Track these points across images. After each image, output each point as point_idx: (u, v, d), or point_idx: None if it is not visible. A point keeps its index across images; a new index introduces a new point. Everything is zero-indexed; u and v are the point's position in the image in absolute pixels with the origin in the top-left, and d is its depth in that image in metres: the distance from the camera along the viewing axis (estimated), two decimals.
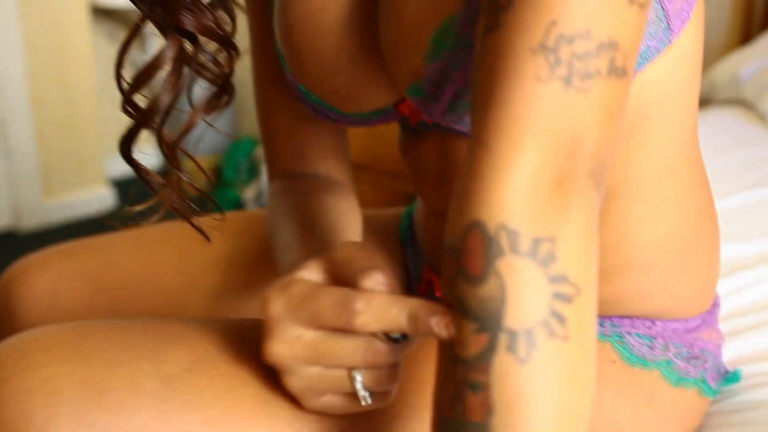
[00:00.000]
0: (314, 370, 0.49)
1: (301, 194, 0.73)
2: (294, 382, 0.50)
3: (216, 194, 1.91)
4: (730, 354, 0.79)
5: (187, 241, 0.86)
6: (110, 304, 0.83)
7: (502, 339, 0.42)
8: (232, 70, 0.67)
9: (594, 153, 0.45)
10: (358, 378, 0.49)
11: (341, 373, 0.49)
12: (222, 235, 0.86)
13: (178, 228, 0.87)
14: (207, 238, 0.71)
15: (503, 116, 0.44)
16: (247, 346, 0.56)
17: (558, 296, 0.42)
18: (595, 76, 0.44)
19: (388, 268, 0.49)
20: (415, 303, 0.45)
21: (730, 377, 0.73)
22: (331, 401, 0.51)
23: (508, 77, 0.44)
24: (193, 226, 0.68)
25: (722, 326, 0.78)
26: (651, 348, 0.66)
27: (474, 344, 0.43)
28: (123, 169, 2.49)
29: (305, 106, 0.71)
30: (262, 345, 0.49)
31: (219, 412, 0.52)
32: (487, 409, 0.42)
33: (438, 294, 0.76)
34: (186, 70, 0.63)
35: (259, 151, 2.30)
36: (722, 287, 0.86)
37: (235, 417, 0.52)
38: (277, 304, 0.49)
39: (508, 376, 0.42)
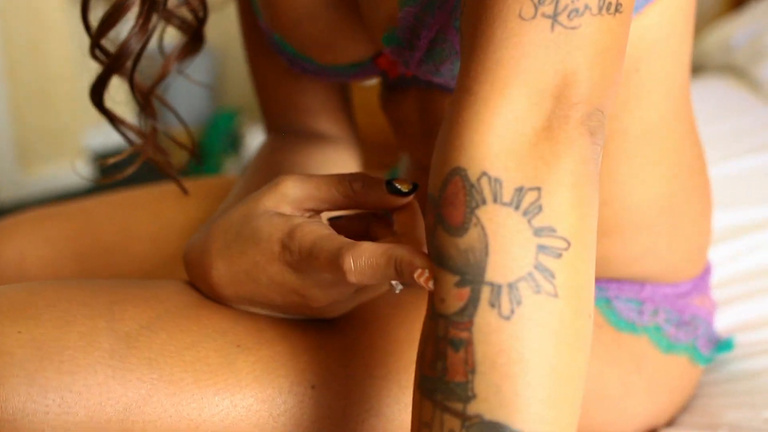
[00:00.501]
0: None
1: (278, 149, 0.70)
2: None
3: (197, 166, 1.89)
4: (722, 322, 0.77)
5: (160, 207, 0.83)
6: (80, 271, 0.80)
7: (485, 293, 0.39)
8: (202, 18, 0.64)
9: (587, 97, 0.42)
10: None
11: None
12: (196, 200, 0.83)
13: (151, 194, 0.85)
14: (184, 190, 0.68)
15: (486, 59, 0.42)
16: (208, 303, 0.53)
17: (544, 249, 0.40)
18: (584, 13, 0.41)
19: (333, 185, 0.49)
20: (400, 254, 0.43)
21: (722, 345, 0.71)
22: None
23: (491, 18, 0.42)
24: (171, 177, 0.65)
25: (715, 294, 0.75)
26: (640, 313, 0.64)
27: (455, 298, 0.40)
28: (101, 141, 2.45)
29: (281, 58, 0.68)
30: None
31: (180, 368, 0.49)
32: (470, 367, 0.39)
33: None
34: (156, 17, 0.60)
35: (241, 123, 2.27)
36: (713, 255, 0.84)
37: (198, 373, 0.49)
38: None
39: (492, 333, 0.39)
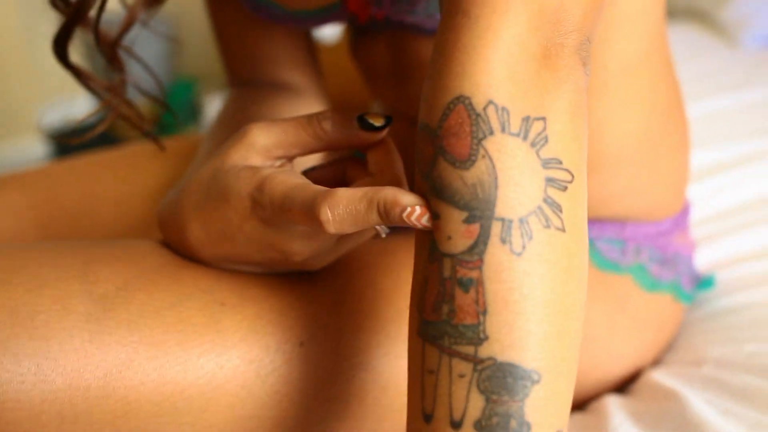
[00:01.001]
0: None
1: (243, 101, 0.67)
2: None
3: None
4: (701, 261, 0.77)
5: (126, 170, 0.80)
6: (46, 239, 0.77)
7: (495, 229, 0.38)
8: None
9: (579, 25, 0.40)
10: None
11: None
12: (162, 161, 0.81)
13: (115, 157, 0.82)
14: (161, 146, 0.65)
15: None
16: (186, 262, 0.51)
17: (552, 182, 0.38)
18: None
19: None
20: (382, 196, 0.41)
21: (704, 282, 0.71)
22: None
23: None
24: (144, 133, 0.64)
25: (693, 233, 0.75)
26: (622, 252, 0.63)
27: (463, 235, 0.38)
28: (58, 118, 2.38)
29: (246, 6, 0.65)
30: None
31: (162, 330, 0.47)
32: (481, 308, 0.38)
33: None
34: None
35: (200, 92, 2.22)
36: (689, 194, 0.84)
37: (181, 334, 0.47)
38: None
39: (503, 270, 0.37)
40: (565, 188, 0.38)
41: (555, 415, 0.38)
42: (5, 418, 0.44)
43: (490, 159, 0.38)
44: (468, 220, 0.38)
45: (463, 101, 0.38)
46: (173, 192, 0.52)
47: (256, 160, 0.47)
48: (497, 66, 0.38)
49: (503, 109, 0.38)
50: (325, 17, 0.63)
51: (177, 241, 0.51)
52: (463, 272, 0.38)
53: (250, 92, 0.69)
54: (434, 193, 0.39)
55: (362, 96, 0.92)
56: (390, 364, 0.52)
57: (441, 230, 0.39)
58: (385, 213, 0.40)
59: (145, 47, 0.69)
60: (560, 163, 0.38)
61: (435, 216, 0.39)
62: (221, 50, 0.73)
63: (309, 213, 0.42)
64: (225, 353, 0.48)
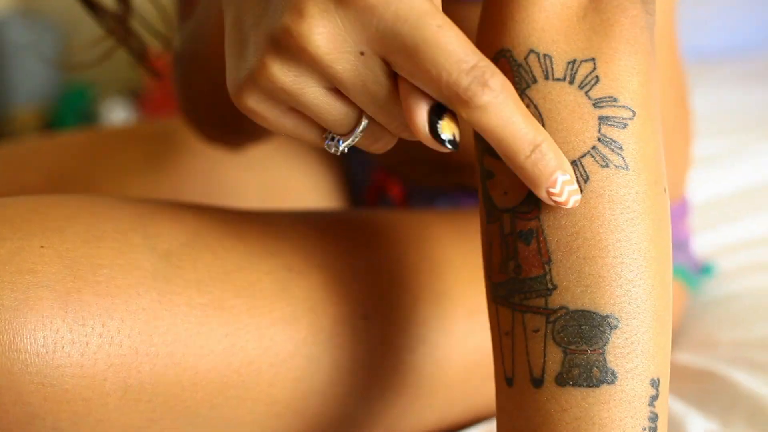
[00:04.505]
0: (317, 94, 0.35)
1: None
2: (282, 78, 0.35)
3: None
4: (698, 249, 0.78)
5: (96, 151, 0.73)
6: None
7: None
8: None
9: None
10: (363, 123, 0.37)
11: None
12: (134, 144, 0.75)
13: (84, 138, 0.77)
14: (156, 74, 0.60)
15: None
16: (245, 218, 0.47)
17: (607, 120, 0.37)
18: None
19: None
20: (544, 134, 0.35)
21: (703, 270, 0.72)
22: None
23: None
24: (144, 63, 0.59)
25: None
26: None
27: (518, 188, 0.37)
28: None
29: None
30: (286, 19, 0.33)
31: (232, 293, 0.42)
32: (545, 258, 0.36)
33: (393, 193, 0.70)
34: None
35: (95, 98, 2.10)
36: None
37: (252, 300, 0.43)
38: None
39: (562, 216, 0.36)
40: (625, 125, 0.37)
41: (645, 362, 0.36)
42: (64, 385, 0.37)
43: (536, 107, 0.37)
44: None
45: (504, 54, 0.38)
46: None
47: None
48: (538, 16, 0.38)
49: (546, 56, 0.37)
50: None
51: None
52: (522, 224, 0.37)
53: None
54: (488, 151, 0.38)
55: None
56: (445, 339, 0.50)
57: (497, 187, 0.38)
58: (535, 157, 0.35)
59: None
60: (615, 100, 0.37)
61: (490, 175, 0.38)
62: None
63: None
64: (295, 323, 0.44)
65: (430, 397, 0.51)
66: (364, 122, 0.36)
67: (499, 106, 0.33)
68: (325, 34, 0.33)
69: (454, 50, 0.32)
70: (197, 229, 0.44)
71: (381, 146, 0.38)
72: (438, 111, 0.34)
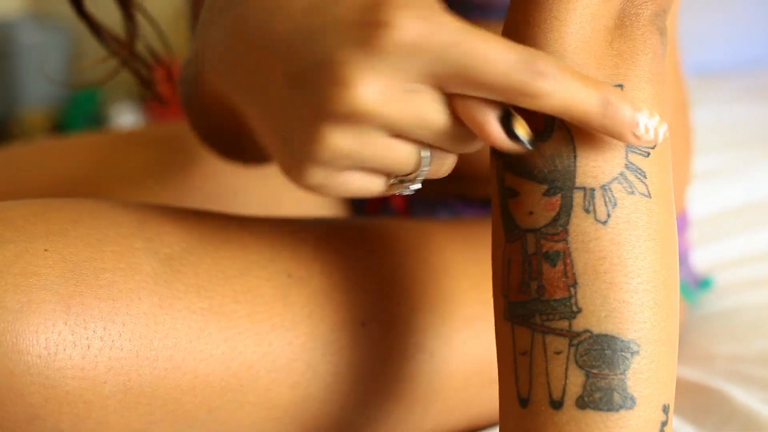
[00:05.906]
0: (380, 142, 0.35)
1: None
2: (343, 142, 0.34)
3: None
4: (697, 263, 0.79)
5: (103, 154, 0.74)
6: None
7: (577, 198, 0.37)
8: None
9: None
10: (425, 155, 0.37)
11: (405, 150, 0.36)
12: (141, 148, 0.76)
13: (91, 141, 0.78)
14: (161, 100, 0.60)
15: None
16: (244, 224, 0.48)
17: (633, 148, 0.38)
18: None
19: None
20: (607, 86, 0.36)
21: (702, 284, 0.73)
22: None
23: None
24: (149, 86, 0.59)
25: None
26: None
27: (545, 208, 0.37)
28: None
29: None
30: (333, 87, 0.33)
31: (232, 298, 0.43)
32: (571, 281, 0.37)
33: (395, 202, 0.71)
34: None
35: (104, 102, 2.12)
36: None
37: (252, 305, 0.44)
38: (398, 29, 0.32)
39: (590, 240, 0.37)
40: (647, 154, 0.38)
41: (660, 388, 0.37)
42: (65, 387, 0.38)
43: (567, 129, 0.37)
44: (548, 193, 0.37)
45: None
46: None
47: None
48: (569, 38, 0.38)
49: None
50: None
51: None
52: (548, 246, 0.37)
53: None
54: (510, 169, 0.38)
55: None
56: (444, 347, 0.50)
57: (521, 206, 0.38)
58: (611, 112, 0.35)
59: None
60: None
61: (513, 193, 0.38)
62: None
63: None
64: (294, 329, 0.45)
65: (428, 404, 0.51)
66: (425, 154, 0.37)
67: (558, 87, 0.33)
68: (374, 90, 0.33)
69: (500, 53, 0.33)
70: (199, 234, 0.45)
71: (446, 169, 0.38)
72: (505, 115, 0.35)
